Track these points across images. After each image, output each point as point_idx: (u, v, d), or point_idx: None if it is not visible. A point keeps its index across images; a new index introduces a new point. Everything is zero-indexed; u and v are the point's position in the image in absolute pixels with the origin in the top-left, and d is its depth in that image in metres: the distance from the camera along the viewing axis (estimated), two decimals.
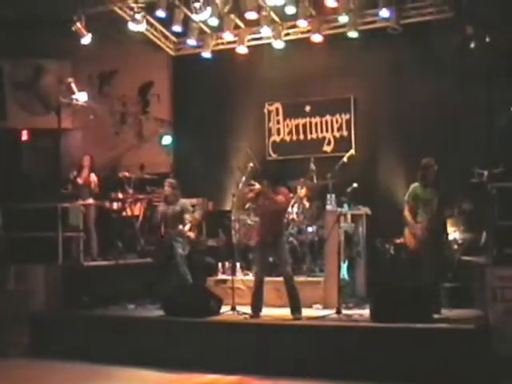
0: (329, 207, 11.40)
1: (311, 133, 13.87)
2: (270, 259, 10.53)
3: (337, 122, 13.62)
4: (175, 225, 11.19)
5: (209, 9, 12.34)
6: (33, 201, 12.38)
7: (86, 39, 12.94)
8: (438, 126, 12.29)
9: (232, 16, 13.33)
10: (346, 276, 11.30)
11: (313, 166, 12.33)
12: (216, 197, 14.13)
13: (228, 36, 13.73)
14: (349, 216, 11.81)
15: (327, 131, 13.72)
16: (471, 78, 11.29)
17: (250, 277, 11.56)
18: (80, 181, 12.74)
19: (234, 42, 13.82)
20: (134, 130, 14.83)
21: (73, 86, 13.13)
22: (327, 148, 13.68)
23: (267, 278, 10.26)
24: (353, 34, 12.70)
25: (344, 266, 11.21)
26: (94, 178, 12.85)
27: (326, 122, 13.72)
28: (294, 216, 11.87)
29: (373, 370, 8.54)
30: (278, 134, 14.19)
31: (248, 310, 10.02)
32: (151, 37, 14.27)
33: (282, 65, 13.73)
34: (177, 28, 13.59)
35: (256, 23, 13.30)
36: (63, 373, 9.72)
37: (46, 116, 14.67)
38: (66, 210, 11.85)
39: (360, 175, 12.23)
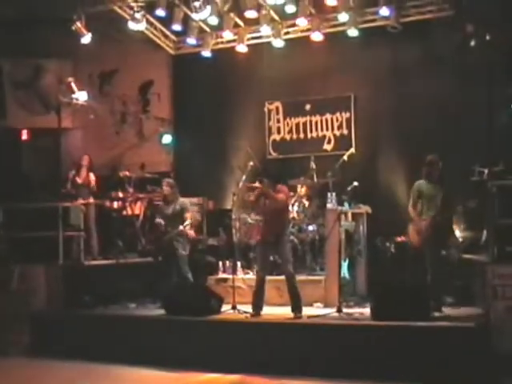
0: (329, 206, 11.39)
1: (311, 131, 13.86)
2: (271, 258, 10.53)
3: (337, 120, 13.62)
4: (175, 224, 11.18)
5: (208, 7, 12.34)
6: (33, 200, 12.39)
7: (86, 38, 12.93)
8: (438, 123, 12.28)
9: (232, 15, 13.32)
10: (347, 275, 11.30)
11: (313, 165, 12.33)
12: (216, 196, 14.13)
13: (228, 35, 13.72)
14: (349, 214, 11.80)
15: (327, 130, 13.71)
16: (471, 76, 11.28)
17: (251, 276, 11.57)
18: (79, 180, 12.76)
19: (234, 40, 13.80)
20: (134, 129, 14.84)
21: (73, 85, 13.14)
22: (327, 146, 13.68)
23: (268, 277, 10.26)
24: (353, 33, 12.69)
25: (345, 265, 11.21)
26: (92, 177, 12.86)
27: (326, 121, 13.71)
28: (295, 215, 11.86)
29: (373, 369, 8.53)
30: (279, 132, 14.19)
31: (249, 308, 10.02)
32: (151, 36, 14.26)
33: (281, 63, 13.72)
34: (177, 27, 13.58)
35: (256, 22, 13.28)
36: (63, 372, 9.72)
37: (46, 115, 14.67)
38: (67, 210, 11.86)
39: (360, 174, 12.24)
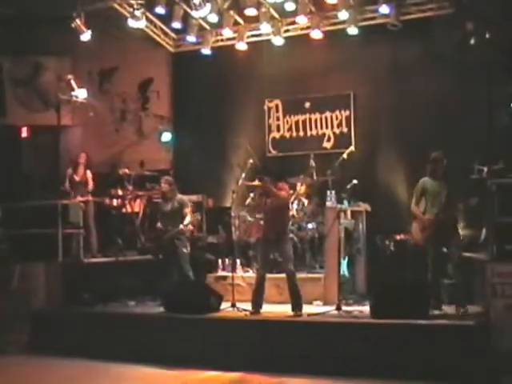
0: (329, 204, 11.40)
1: (311, 129, 13.86)
2: (272, 256, 10.53)
3: (336, 118, 13.62)
4: (175, 221, 11.17)
5: (208, 5, 12.35)
6: (32, 198, 12.39)
7: (86, 36, 12.92)
8: (437, 121, 12.28)
9: (231, 12, 13.32)
10: (346, 273, 11.31)
11: (313, 163, 12.32)
12: (216, 193, 14.12)
13: (227, 32, 13.72)
14: (349, 212, 11.81)
15: (327, 128, 13.71)
16: (471, 75, 11.28)
17: (250, 273, 11.59)
18: (77, 178, 12.76)
19: (234, 38, 13.81)
20: (133, 126, 14.83)
21: (72, 82, 13.14)
22: (327, 144, 13.68)
23: (268, 275, 10.25)
24: (352, 31, 12.69)
25: (344, 263, 11.22)
26: (89, 174, 12.86)
27: (326, 119, 13.71)
28: (294, 213, 11.85)
29: (373, 367, 8.53)
30: (278, 130, 14.19)
31: (248, 306, 10.02)
32: (151, 33, 14.27)
33: (281, 61, 13.72)
34: (176, 24, 13.59)
35: (255, 19, 13.29)
36: (63, 370, 9.71)
37: (45, 113, 14.66)
38: (66, 207, 11.85)
39: (360, 172, 12.24)
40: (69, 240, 11.84)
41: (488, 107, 9.86)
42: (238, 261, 12.07)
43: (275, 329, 9.43)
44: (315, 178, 12.27)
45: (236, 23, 13.64)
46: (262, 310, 9.94)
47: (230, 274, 11.30)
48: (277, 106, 14.22)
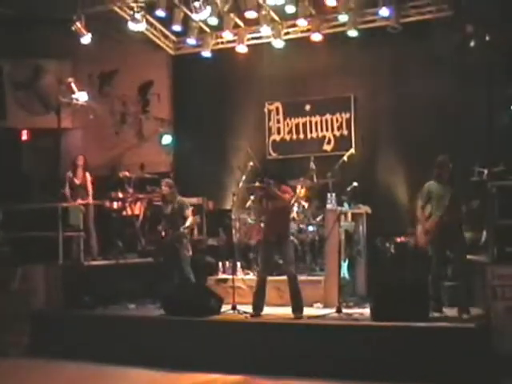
0: (329, 206, 11.40)
1: (311, 132, 13.87)
2: (273, 258, 10.53)
3: (337, 120, 13.62)
4: (175, 223, 11.18)
5: (208, 8, 12.34)
6: (33, 201, 12.39)
7: (86, 39, 12.93)
8: (438, 124, 12.29)
9: (232, 15, 13.32)
10: (347, 275, 11.30)
11: (313, 165, 12.33)
12: (216, 196, 14.13)
13: (228, 35, 13.72)
14: (349, 215, 11.81)
15: (327, 130, 13.71)
16: (471, 77, 11.29)
17: (251, 276, 11.58)
18: (77, 181, 12.74)
19: (234, 41, 13.81)
20: (134, 129, 14.83)
21: (73, 85, 13.15)
22: (327, 147, 13.68)
23: (268, 278, 10.25)
24: (353, 33, 12.69)
25: (344, 265, 11.21)
26: (88, 177, 12.86)
27: (326, 121, 13.71)
28: (295, 215, 11.85)
29: (373, 369, 8.53)
30: (278, 133, 14.19)
31: (248, 309, 10.02)
32: (151, 36, 14.27)
33: (281, 64, 13.72)
34: (176, 27, 13.60)
35: (256, 22, 13.29)
36: (63, 372, 9.72)
37: (45, 116, 14.68)
38: (66, 210, 11.86)
39: (360, 174, 12.25)
40: (69, 243, 11.85)
41: (488, 109, 9.87)
42: (239, 263, 12.07)
43: (276, 331, 9.43)
44: (315, 180, 12.28)
45: (236, 26, 13.64)
46: (262, 313, 9.95)
47: (230, 277, 11.30)
48: (277, 109, 14.22)
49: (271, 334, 9.39)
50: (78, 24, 12.76)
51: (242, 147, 13.79)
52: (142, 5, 12.97)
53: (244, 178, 12.74)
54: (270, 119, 14.27)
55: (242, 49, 13.73)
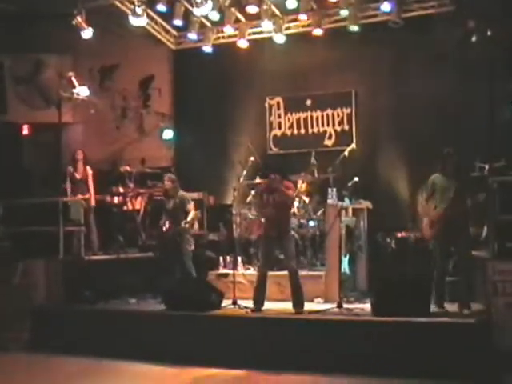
0: (330, 201, 11.39)
1: (312, 127, 13.86)
2: (274, 253, 10.53)
3: (338, 115, 13.61)
4: (177, 218, 11.18)
5: (209, 2, 12.29)
6: (33, 195, 12.37)
7: (87, 33, 12.89)
8: (439, 119, 12.28)
9: (233, 10, 13.31)
10: (347, 270, 11.30)
11: (314, 160, 12.32)
12: (217, 191, 14.12)
13: (229, 30, 13.70)
14: (350, 210, 11.80)
15: (328, 125, 13.71)
16: (472, 72, 11.27)
17: (252, 271, 11.58)
18: (78, 176, 12.72)
19: (235, 35, 13.79)
20: (134, 124, 14.82)
21: (73, 80, 13.12)
22: (328, 142, 13.67)
23: (269, 273, 10.25)
24: (354, 28, 12.66)
25: (345, 260, 11.20)
26: (89, 171, 12.85)
27: (327, 116, 13.71)
28: (295, 210, 11.85)
29: (374, 364, 8.53)
30: (279, 127, 14.18)
31: (249, 304, 10.03)
32: (152, 31, 14.25)
33: (282, 59, 13.70)
34: (177, 22, 13.57)
35: (257, 17, 13.28)
36: (64, 367, 9.72)
37: (46, 110, 14.64)
38: (67, 205, 11.85)
39: (361, 169, 12.24)
40: (70, 237, 11.86)
41: (489, 105, 9.83)
42: (239, 258, 12.07)
43: (276, 326, 9.43)
44: (316, 175, 12.28)
45: (237, 20, 13.63)
46: (263, 308, 9.95)
47: (231, 272, 11.30)
48: (278, 104, 14.22)
49: (272, 328, 9.40)
50: (79, 18, 12.72)
51: (243, 142, 13.79)
52: None
53: (245, 172, 12.74)
54: (270, 114, 14.26)
55: (243, 43, 13.72)
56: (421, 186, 9.95)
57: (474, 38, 11.12)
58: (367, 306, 9.72)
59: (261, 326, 9.49)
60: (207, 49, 14.02)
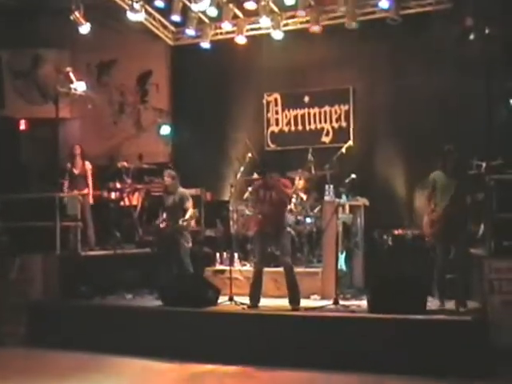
0: (327, 198, 11.39)
1: (310, 123, 13.85)
2: (269, 250, 10.53)
3: (335, 112, 13.61)
4: (176, 215, 11.16)
5: None
6: (31, 190, 12.37)
7: (85, 28, 12.88)
8: (436, 116, 12.28)
9: (231, 6, 13.29)
10: (344, 267, 11.32)
11: (311, 157, 12.32)
12: (214, 187, 14.11)
13: (227, 26, 13.68)
14: (347, 207, 11.81)
15: (326, 122, 13.70)
16: (470, 70, 11.25)
17: (248, 267, 11.58)
18: (76, 171, 12.72)
19: (233, 32, 13.77)
20: (132, 119, 14.83)
21: (71, 75, 13.10)
22: (326, 139, 13.67)
23: (265, 269, 10.26)
24: (352, 25, 12.65)
25: (342, 257, 11.23)
26: (88, 165, 12.84)
27: (325, 113, 13.70)
28: (292, 207, 11.85)
29: (370, 361, 8.53)
30: (277, 124, 14.18)
31: (246, 300, 10.03)
32: (150, 26, 14.23)
33: (280, 55, 13.68)
34: (175, 18, 13.56)
35: (255, 13, 13.26)
36: (60, 362, 9.71)
37: (44, 105, 14.65)
38: (64, 200, 11.85)
39: (358, 166, 12.26)
40: (66, 233, 11.84)
41: (487, 102, 9.83)
42: (236, 254, 12.06)
43: (272, 322, 9.43)
44: (313, 172, 12.27)
45: (235, 17, 13.61)
46: (259, 304, 9.96)
47: (227, 268, 11.27)
48: (276, 100, 14.21)
49: (268, 325, 9.39)
50: (77, 13, 12.70)
51: (241, 138, 13.79)
52: None
53: (242, 169, 12.73)
54: (268, 110, 14.25)
55: (241, 40, 13.70)
56: (418, 184, 9.97)
57: (471, 36, 11.12)
58: (363, 303, 9.72)
59: (257, 323, 9.48)
60: (205, 45, 14.00)
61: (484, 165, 10.29)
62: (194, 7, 12.66)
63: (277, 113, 14.18)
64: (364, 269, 11.77)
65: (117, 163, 13.37)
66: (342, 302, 9.86)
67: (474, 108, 11.16)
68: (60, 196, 11.75)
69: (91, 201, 12.81)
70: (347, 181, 11.65)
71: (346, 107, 13.50)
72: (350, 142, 12.53)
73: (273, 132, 14.20)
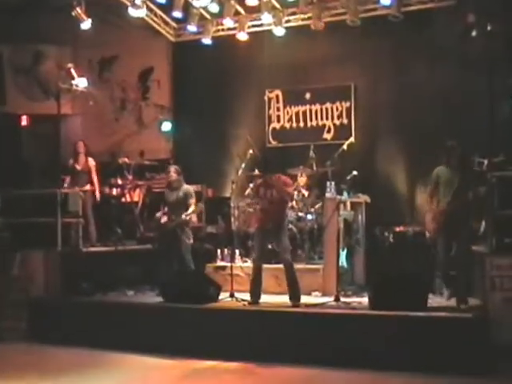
0: (328, 195, 11.39)
1: (311, 120, 13.84)
2: (269, 246, 10.53)
3: (337, 109, 13.59)
4: (179, 211, 11.12)
5: None
6: (32, 187, 12.37)
7: (86, 24, 12.87)
8: (438, 113, 12.27)
9: (232, 2, 13.27)
10: (345, 264, 11.31)
11: (312, 154, 12.32)
12: (215, 183, 14.12)
13: (228, 22, 13.66)
14: (348, 204, 11.80)
15: (327, 119, 13.69)
16: (472, 66, 11.24)
17: (249, 264, 11.56)
18: (78, 167, 12.71)
19: (235, 28, 13.76)
20: (133, 116, 14.83)
21: (72, 71, 13.08)
22: (327, 135, 13.66)
23: (266, 266, 10.27)
24: (354, 22, 12.62)
25: (343, 254, 11.22)
26: (92, 162, 12.82)
27: (326, 110, 13.69)
28: (294, 203, 11.85)
29: (371, 358, 8.53)
30: (278, 121, 14.17)
31: (247, 296, 10.04)
32: (151, 22, 14.21)
33: (282, 52, 13.67)
34: (177, 14, 13.53)
35: (257, 9, 13.25)
36: (61, 358, 9.71)
37: (45, 101, 14.65)
38: (65, 196, 11.84)
39: (360, 163, 12.24)
40: (68, 229, 11.83)
41: (489, 99, 9.82)
42: (237, 251, 12.07)
43: (273, 319, 9.43)
44: (315, 169, 12.27)
45: (237, 13, 13.59)
46: (260, 301, 9.96)
47: (228, 264, 11.30)
48: (277, 97, 14.20)
49: (269, 321, 9.39)
50: (78, 9, 12.69)
51: (242, 135, 13.78)
52: None
53: (243, 165, 12.73)
54: (269, 107, 14.24)
55: (242, 36, 13.68)
56: (419, 181, 9.96)
57: (474, 33, 11.10)
58: (365, 300, 9.71)
59: (258, 319, 9.48)
60: (207, 41, 13.98)
61: (486, 162, 10.27)
62: (196, 3, 12.66)
63: (278, 109, 14.17)
64: (365, 266, 11.76)
65: (118, 159, 13.36)
66: (343, 299, 9.86)
67: (477, 105, 11.15)
68: (62, 192, 11.74)
69: (98, 197, 12.78)
70: (349, 178, 11.63)
71: (348, 104, 13.48)
72: (352, 139, 12.53)
73: (274, 129, 14.19)
